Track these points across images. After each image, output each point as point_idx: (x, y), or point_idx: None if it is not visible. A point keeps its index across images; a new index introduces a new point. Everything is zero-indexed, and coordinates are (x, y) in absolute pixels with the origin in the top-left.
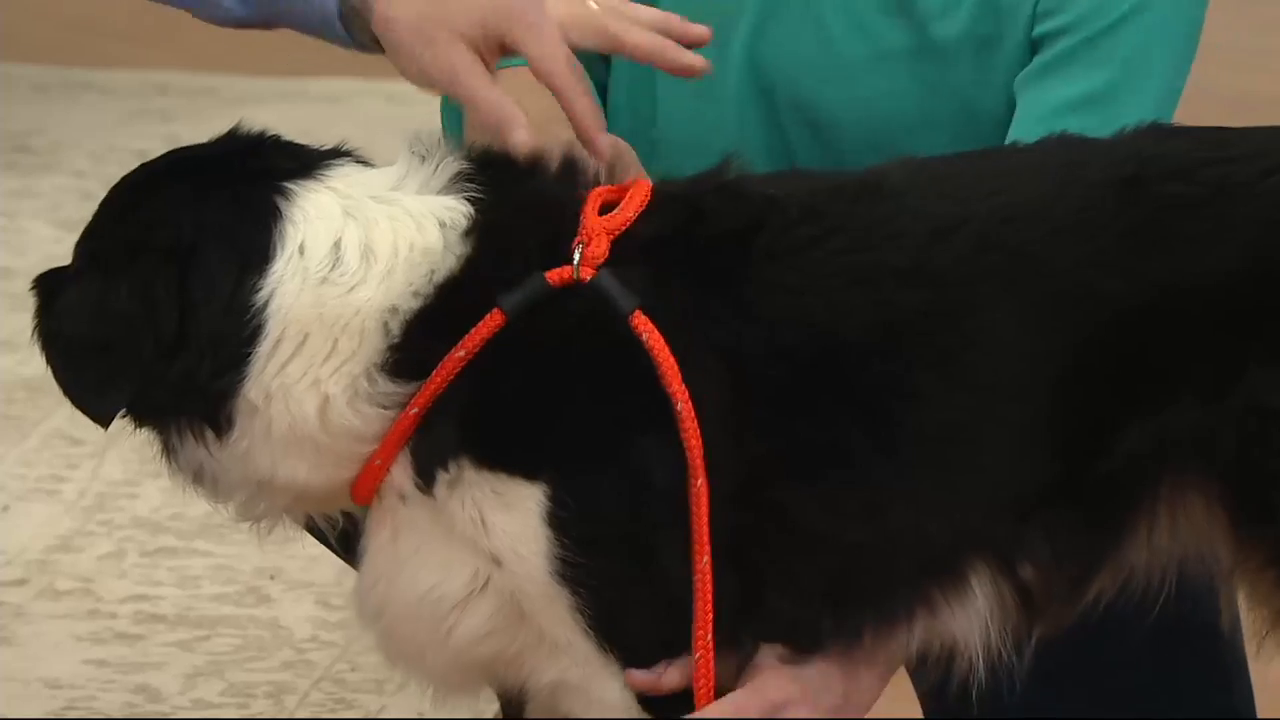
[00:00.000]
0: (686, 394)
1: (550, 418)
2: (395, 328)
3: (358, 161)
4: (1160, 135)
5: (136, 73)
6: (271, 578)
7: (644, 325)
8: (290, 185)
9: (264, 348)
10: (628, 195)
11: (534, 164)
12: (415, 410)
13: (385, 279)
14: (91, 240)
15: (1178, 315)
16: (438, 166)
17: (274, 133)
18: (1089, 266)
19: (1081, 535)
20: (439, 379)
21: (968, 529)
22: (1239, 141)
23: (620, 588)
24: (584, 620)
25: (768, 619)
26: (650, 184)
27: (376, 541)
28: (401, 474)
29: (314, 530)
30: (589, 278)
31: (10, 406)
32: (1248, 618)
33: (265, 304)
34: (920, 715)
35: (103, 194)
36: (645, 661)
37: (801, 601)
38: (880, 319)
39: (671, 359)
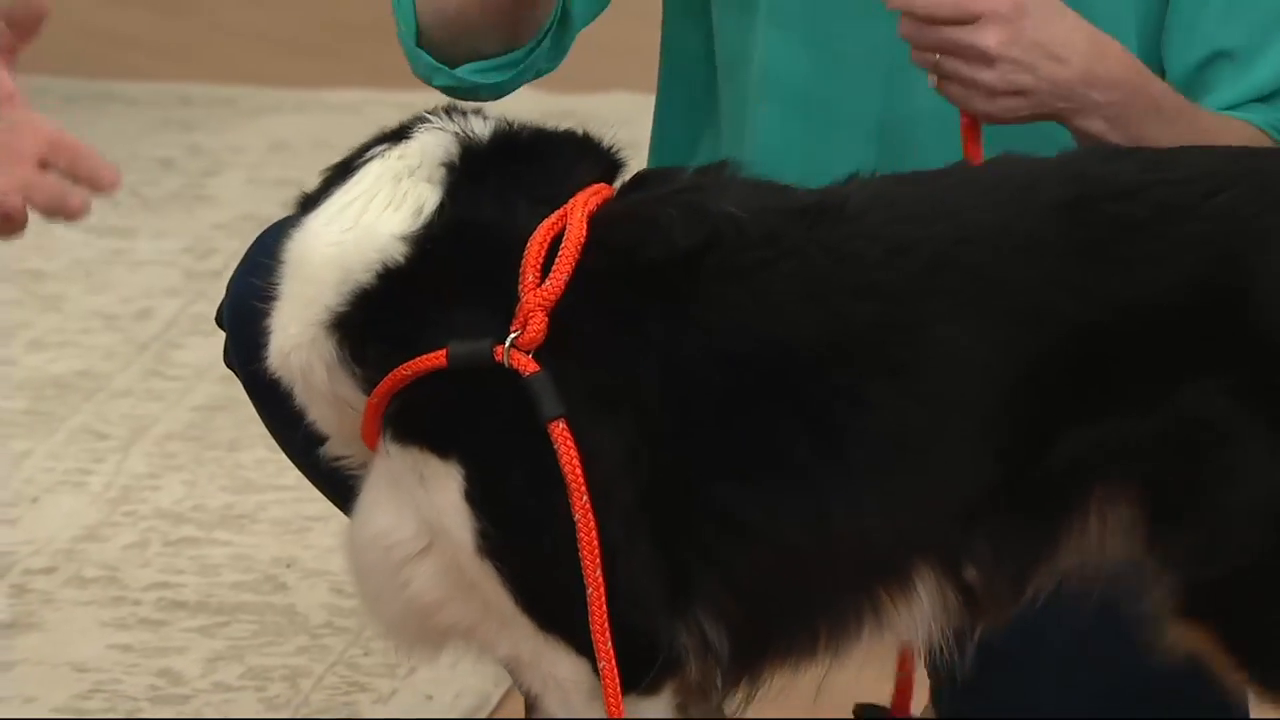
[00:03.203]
0: (590, 517)
1: (470, 408)
2: (344, 292)
3: (438, 127)
4: (1106, 156)
5: (159, 84)
6: (288, 566)
7: (561, 437)
8: (380, 148)
9: (283, 281)
10: (564, 239)
11: (530, 154)
12: (374, 400)
13: (352, 245)
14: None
15: (1121, 331)
16: (448, 151)
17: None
18: (1039, 284)
19: (1021, 537)
20: (388, 385)
21: (914, 533)
22: (1182, 163)
23: (541, 570)
24: (514, 597)
25: (709, 607)
26: (593, 206)
27: (369, 479)
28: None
29: (310, 471)
30: (526, 373)
31: (40, 403)
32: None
33: (294, 243)
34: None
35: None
36: (584, 642)
37: (744, 597)
38: (829, 330)
39: (581, 477)
